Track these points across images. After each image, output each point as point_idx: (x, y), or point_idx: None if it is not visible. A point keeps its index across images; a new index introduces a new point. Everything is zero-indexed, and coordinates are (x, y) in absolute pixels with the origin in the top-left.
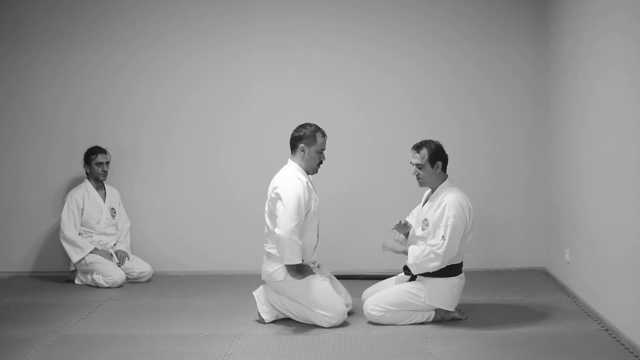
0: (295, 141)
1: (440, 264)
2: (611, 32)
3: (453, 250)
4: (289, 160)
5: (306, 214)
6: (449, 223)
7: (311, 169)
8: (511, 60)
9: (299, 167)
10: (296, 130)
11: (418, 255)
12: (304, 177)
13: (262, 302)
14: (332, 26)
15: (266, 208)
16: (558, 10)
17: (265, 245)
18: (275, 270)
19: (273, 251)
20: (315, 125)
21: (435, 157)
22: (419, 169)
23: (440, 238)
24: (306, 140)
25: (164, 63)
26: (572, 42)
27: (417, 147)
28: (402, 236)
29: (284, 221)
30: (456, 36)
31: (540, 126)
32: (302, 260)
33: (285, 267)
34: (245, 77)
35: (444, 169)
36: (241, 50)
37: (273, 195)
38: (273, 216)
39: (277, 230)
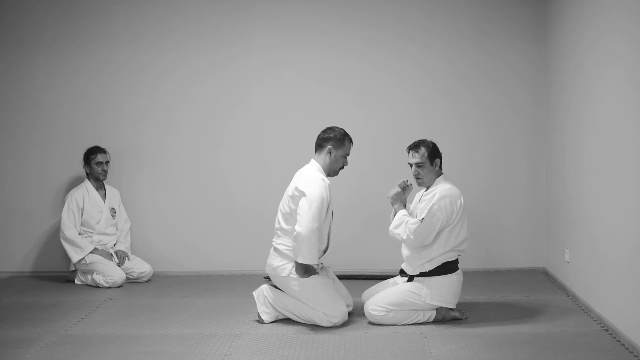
0: (323, 141)
1: (406, 240)
2: (611, 32)
3: (427, 235)
4: (312, 160)
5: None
6: (434, 208)
7: (333, 172)
8: (511, 60)
9: (321, 169)
10: (324, 131)
11: (397, 224)
12: (326, 179)
13: (262, 302)
14: (332, 26)
15: (281, 205)
16: (558, 10)
17: (273, 240)
18: (280, 265)
19: (282, 247)
20: (344, 130)
21: (434, 154)
22: (419, 167)
23: (420, 219)
24: (335, 142)
25: (164, 63)
26: (572, 42)
27: (415, 147)
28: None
29: (307, 220)
30: (456, 36)
31: (540, 126)
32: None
33: (291, 264)
34: (245, 77)
35: (440, 166)
36: (241, 50)
37: (296, 193)
38: (289, 214)
39: (297, 228)
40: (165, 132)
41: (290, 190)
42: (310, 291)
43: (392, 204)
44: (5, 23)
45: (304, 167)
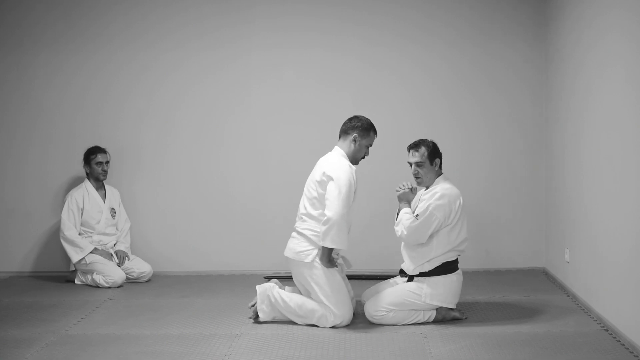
0: (349, 129)
1: (400, 236)
2: (611, 32)
3: (422, 232)
4: (336, 147)
5: None
6: (430, 207)
7: (355, 160)
8: (511, 60)
9: (345, 155)
10: (351, 119)
11: (398, 221)
12: (353, 166)
13: (262, 300)
14: (332, 26)
15: (307, 190)
16: (558, 10)
17: (297, 225)
18: (304, 250)
19: (308, 232)
20: (370, 120)
21: (434, 154)
22: (419, 167)
23: (414, 216)
24: (360, 131)
25: (164, 63)
26: (571, 42)
27: (415, 146)
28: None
29: (337, 205)
30: (456, 36)
31: (540, 126)
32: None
33: (316, 250)
34: (245, 77)
35: (440, 166)
36: (241, 51)
37: (324, 178)
38: (315, 199)
39: (328, 213)
40: (165, 132)
41: (317, 175)
42: (330, 282)
43: (399, 202)
44: (5, 23)
45: (327, 154)
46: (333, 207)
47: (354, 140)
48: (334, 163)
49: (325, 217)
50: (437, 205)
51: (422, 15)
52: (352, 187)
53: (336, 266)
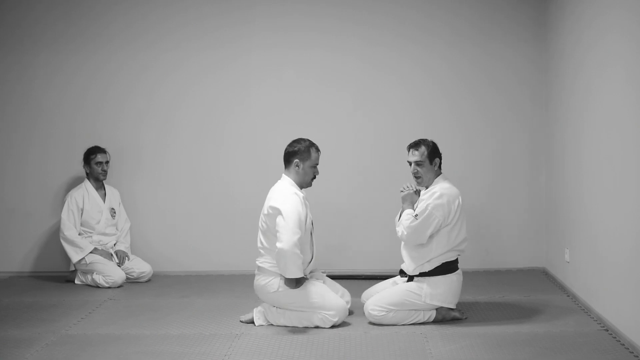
0: (289, 156)
1: (401, 236)
2: (611, 32)
3: (422, 232)
4: (283, 175)
5: None
6: (429, 207)
7: (305, 184)
8: (511, 60)
9: (293, 182)
10: (290, 145)
11: (399, 222)
12: (300, 193)
13: (258, 317)
14: (332, 26)
15: (260, 223)
16: (558, 10)
17: (257, 260)
18: (267, 282)
19: (266, 265)
20: (309, 140)
21: (434, 154)
22: (418, 166)
23: (414, 215)
24: (300, 155)
25: (164, 63)
26: (572, 42)
27: (415, 145)
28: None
29: (286, 235)
30: (456, 36)
31: (540, 126)
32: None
33: (277, 279)
34: (245, 77)
35: (440, 166)
36: (241, 51)
37: (271, 211)
38: (268, 232)
39: (279, 245)
40: (165, 132)
41: (265, 208)
42: (303, 298)
43: (402, 202)
44: (5, 23)
45: (276, 183)
46: (283, 238)
47: (297, 166)
48: (279, 193)
49: (277, 250)
50: (436, 204)
51: (422, 15)
52: (300, 214)
53: (307, 279)
